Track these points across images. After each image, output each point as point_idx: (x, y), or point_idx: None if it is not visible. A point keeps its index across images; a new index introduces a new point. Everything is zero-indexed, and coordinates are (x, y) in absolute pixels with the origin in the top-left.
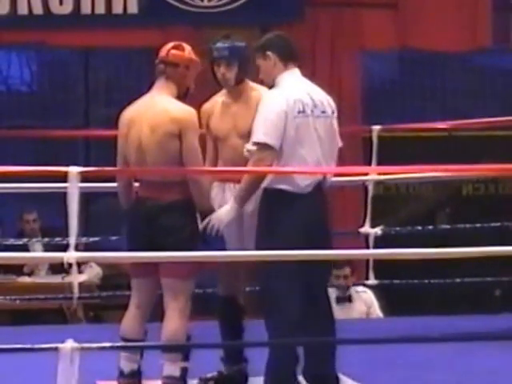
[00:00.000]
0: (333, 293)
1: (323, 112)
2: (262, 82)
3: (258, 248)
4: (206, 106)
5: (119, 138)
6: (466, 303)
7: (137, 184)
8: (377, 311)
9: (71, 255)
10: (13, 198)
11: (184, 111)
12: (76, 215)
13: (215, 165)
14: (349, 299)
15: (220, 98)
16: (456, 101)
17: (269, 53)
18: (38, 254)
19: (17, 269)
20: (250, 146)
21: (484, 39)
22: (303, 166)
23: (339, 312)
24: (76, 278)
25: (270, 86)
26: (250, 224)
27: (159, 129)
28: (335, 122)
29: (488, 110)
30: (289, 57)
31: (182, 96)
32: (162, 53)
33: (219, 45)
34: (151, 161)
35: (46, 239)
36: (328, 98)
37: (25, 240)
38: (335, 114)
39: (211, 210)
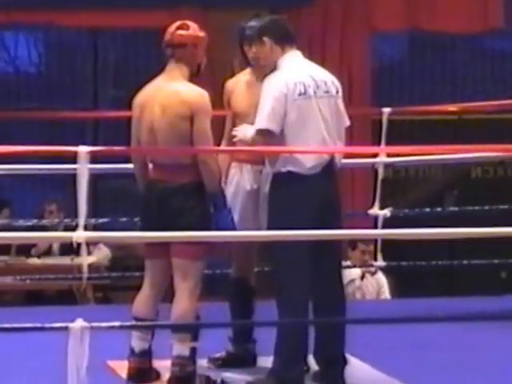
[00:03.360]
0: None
1: (326, 92)
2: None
3: (269, 229)
4: (230, 83)
5: (133, 122)
6: (472, 285)
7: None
8: (386, 293)
9: (80, 235)
10: (22, 181)
11: (195, 94)
12: (85, 196)
13: (232, 143)
14: (361, 276)
15: (244, 76)
16: (466, 83)
17: (264, 38)
18: (47, 233)
19: (28, 250)
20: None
21: (495, 20)
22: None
23: (350, 288)
24: (85, 259)
25: (270, 70)
26: (266, 205)
27: (170, 110)
28: (340, 102)
29: (498, 92)
30: (284, 40)
31: (195, 74)
32: (168, 36)
33: (251, 23)
34: (162, 142)
35: (56, 220)
36: (332, 77)
37: (38, 221)
38: (340, 94)
39: (221, 192)
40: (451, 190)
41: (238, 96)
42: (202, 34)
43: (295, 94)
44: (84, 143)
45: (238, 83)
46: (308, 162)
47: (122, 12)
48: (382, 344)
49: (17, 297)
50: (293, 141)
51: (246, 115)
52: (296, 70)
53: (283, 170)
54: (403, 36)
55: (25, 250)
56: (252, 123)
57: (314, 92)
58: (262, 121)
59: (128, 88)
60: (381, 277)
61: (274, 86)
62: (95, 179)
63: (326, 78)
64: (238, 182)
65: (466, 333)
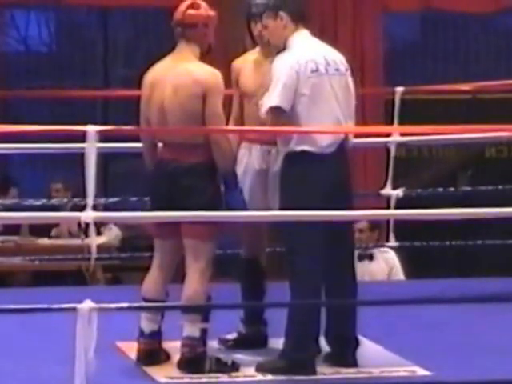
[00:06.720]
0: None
1: (337, 70)
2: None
3: (282, 210)
4: (237, 62)
5: (142, 101)
6: (486, 266)
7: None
8: (399, 274)
9: (88, 215)
10: (31, 161)
11: (208, 73)
12: (93, 175)
13: (240, 122)
14: (370, 257)
15: (252, 55)
16: (479, 63)
17: (281, 13)
18: (55, 213)
19: (38, 230)
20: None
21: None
22: (322, 125)
23: (360, 269)
24: (94, 239)
25: (278, 49)
26: (275, 185)
27: (182, 90)
28: (350, 80)
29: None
30: (300, 18)
31: (206, 54)
32: (178, 15)
33: (258, 0)
34: (173, 122)
35: (65, 199)
36: (340, 56)
37: (47, 201)
38: (349, 72)
39: (233, 172)
40: (465, 170)
41: (245, 75)
42: (212, 13)
43: (307, 72)
44: (94, 122)
45: (246, 62)
46: (324, 141)
47: None
48: (395, 325)
49: (27, 277)
50: (306, 119)
51: (253, 95)
52: (306, 49)
53: (297, 149)
54: (415, 15)
55: (36, 230)
56: (258, 103)
57: (326, 70)
58: (274, 98)
59: (138, 67)
60: (391, 257)
61: (285, 64)
62: (106, 159)
63: (335, 56)
64: (247, 163)
65: (479, 315)
